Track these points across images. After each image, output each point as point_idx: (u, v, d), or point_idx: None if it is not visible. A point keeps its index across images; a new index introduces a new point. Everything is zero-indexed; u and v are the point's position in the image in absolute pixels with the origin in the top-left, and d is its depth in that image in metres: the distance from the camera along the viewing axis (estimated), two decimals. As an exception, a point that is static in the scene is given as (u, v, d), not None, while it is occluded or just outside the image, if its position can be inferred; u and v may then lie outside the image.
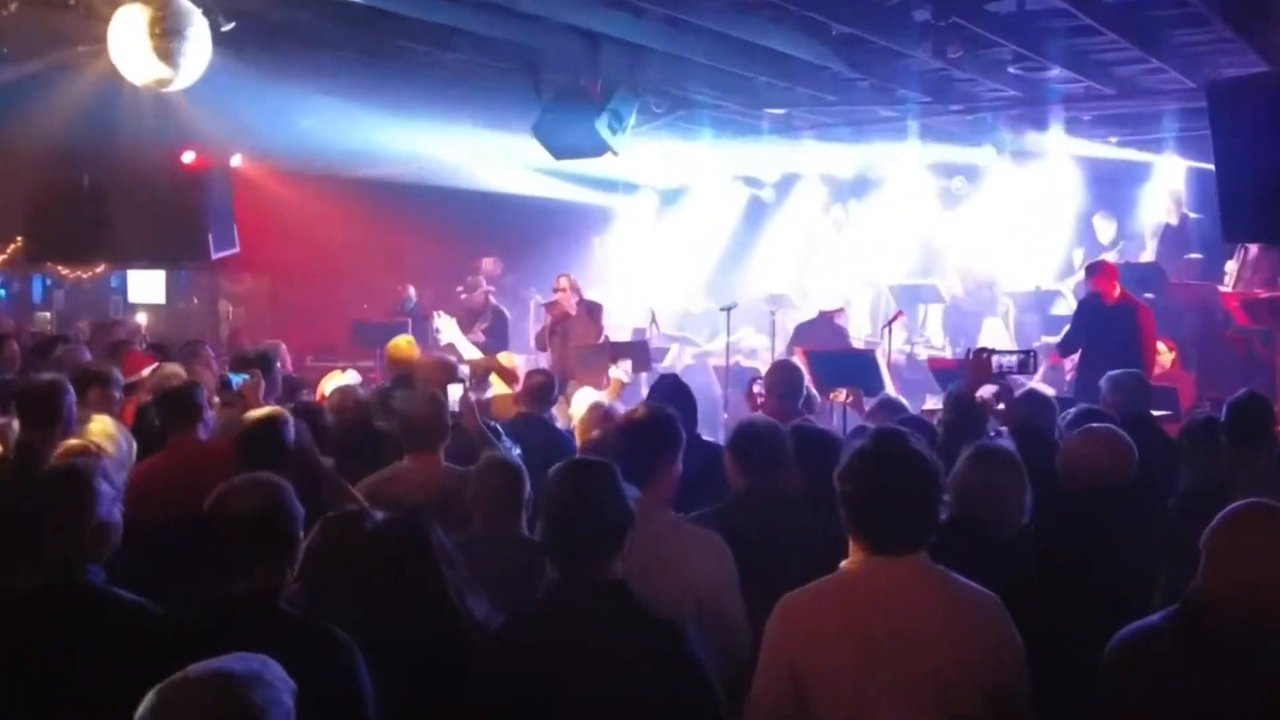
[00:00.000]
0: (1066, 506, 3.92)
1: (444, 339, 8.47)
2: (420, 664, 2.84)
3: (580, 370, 8.59)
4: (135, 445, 4.74)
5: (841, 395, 7.00)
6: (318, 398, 6.73)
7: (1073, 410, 5.29)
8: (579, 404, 6.56)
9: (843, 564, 2.70)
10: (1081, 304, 9.07)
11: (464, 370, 6.36)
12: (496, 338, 10.66)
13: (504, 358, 7.94)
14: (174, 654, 2.05)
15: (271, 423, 4.36)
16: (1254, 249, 9.72)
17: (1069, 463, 4.11)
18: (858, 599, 2.63)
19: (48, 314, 14.37)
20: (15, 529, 3.10)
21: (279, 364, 6.71)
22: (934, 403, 7.33)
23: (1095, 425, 4.32)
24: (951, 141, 11.87)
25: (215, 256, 10.92)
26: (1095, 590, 3.45)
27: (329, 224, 12.15)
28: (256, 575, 2.75)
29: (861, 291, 13.17)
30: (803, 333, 10.34)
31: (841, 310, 10.63)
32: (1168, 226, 11.30)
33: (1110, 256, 10.88)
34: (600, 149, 8.92)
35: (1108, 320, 8.25)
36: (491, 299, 11.45)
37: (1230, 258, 10.06)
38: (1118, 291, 8.38)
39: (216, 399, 5.61)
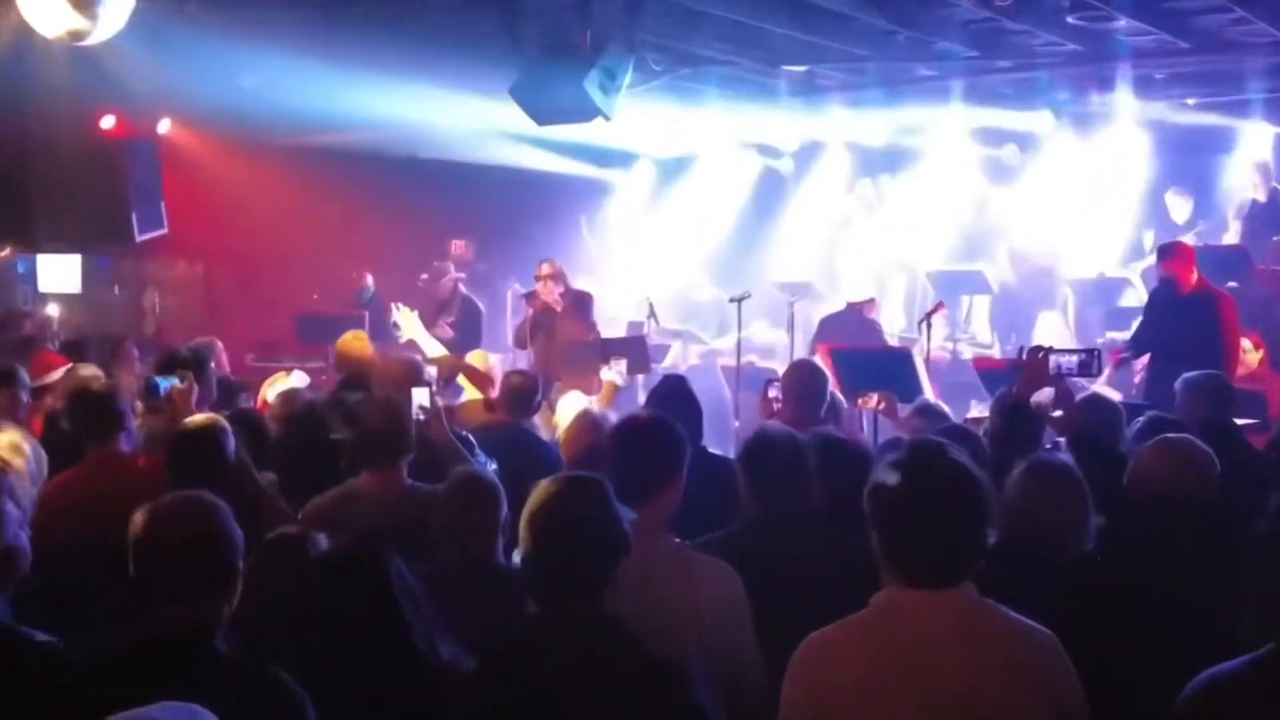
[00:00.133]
0: (1135, 529, 3.93)
1: (404, 335, 8.44)
2: (378, 716, 2.83)
3: (566, 372, 8.60)
4: (46, 458, 4.74)
5: (872, 401, 7.02)
6: (259, 404, 6.74)
7: (1142, 418, 5.30)
8: (565, 411, 6.57)
9: (874, 598, 2.70)
10: (1152, 294, 9.07)
11: (430, 371, 6.36)
12: (467, 333, 10.65)
13: (476, 357, 7.92)
14: (91, 703, 2.05)
15: (209, 433, 4.36)
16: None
17: (1138, 479, 4.12)
18: (892, 641, 2.63)
19: (-59, 306, 14.35)
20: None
21: (213, 364, 6.69)
22: (980, 410, 7.36)
23: (1169, 435, 4.34)
24: (1001, 104, 11.87)
25: (140, 238, 10.86)
26: (1168, 627, 3.44)
27: (273, 201, 12.09)
28: (189, 611, 2.76)
29: (895, 279, 13.20)
30: (827, 328, 10.37)
31: (872, 301, 10.64)
32: (1254, 203, 11.33)
33: (1186, 238, 10.87)
34: (590, 113, 8.92)
35: (1183, 312, 8.25)
36: (461, 288, 11.45)
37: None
38: (1195, 279, 8.39)
39: (141, 405, 5.60)
